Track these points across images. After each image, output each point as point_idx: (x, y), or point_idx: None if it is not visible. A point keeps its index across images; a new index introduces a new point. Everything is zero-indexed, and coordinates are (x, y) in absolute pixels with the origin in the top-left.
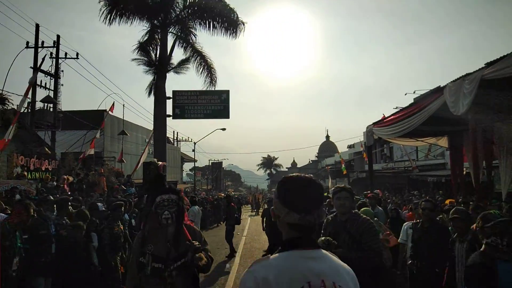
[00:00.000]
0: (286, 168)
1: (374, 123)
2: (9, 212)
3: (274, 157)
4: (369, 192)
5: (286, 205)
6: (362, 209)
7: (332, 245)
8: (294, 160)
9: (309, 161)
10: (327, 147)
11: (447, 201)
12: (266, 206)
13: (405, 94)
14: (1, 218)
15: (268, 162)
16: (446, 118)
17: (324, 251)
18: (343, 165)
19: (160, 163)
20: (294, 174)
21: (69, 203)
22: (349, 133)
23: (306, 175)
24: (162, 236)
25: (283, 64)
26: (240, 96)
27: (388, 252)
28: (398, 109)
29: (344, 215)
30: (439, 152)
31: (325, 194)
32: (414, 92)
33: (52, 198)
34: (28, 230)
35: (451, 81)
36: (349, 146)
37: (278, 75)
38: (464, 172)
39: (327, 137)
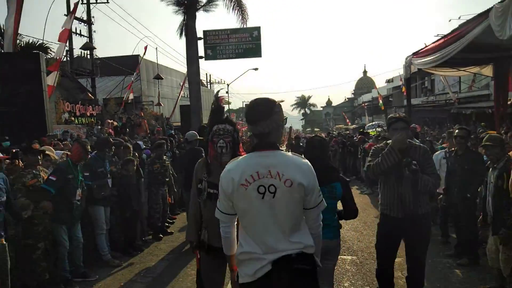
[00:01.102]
0: (321, 107)
1: (414, 53)
2: (67, 152)
3: (309, 96)
4: None
5: (246, 121)
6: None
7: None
8: (329, 98)
9: (345, 99)
10: (364, 83)
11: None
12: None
13: (449, 21)
14: (58, 155)
15: (303, 102)
16: (491, 44)
17: (279, 151)
18: (380, 101)
19: (221, 96)
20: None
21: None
22: (388, 67)
23: (262, 97)
24: (217, 164)
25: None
26: (272, 32)
27: None
28: (440, 37)
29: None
30: (484, 83)
31: (361, 130)
32: (459, 18)
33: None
34: (88, 168)
35: (499, 2)
36: (388, 81)
37: (311, 10)
38: (509, 102)
39: (364, 72)
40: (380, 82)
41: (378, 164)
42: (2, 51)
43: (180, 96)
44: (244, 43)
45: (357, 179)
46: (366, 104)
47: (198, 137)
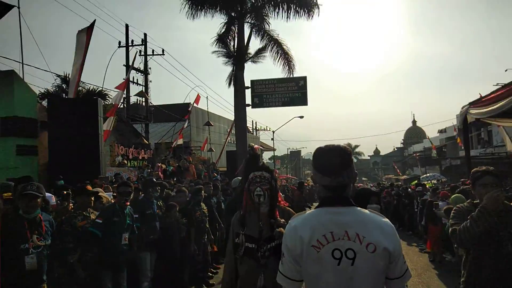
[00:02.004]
0: (368, 156)
1: (471, 103)
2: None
3: (355, 144)
4: (467, 180)
5: (318, 170)
6: (454, 195)
7: None
8: (376, 147)
9: (394, 148)
10: (414, 133)
11: None
12: None
13: (506, 71)
14: (109, 196)
15: None
16: None
17: (357, 208)
18: (434, 150)
19: (256, 146)
20: (325, 145)
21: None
22: (438, 117)
23: (334, 144)
24: (255, 215)
25: (360, 45)
26: (316, 82)
27: None
28: (499, 86)
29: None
30: None
31: (415, 182)
32: None
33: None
34: (137, 210)
35: None
36: (440, 131)
37: (355, 58)
38: None
39: (414, 122)
40: (430, 132)
41: (467, 228)
42: (65, 96)
43: (226, 142)
44: (290, 92)
45: (413, 235)
46: (418, 154)
47: None
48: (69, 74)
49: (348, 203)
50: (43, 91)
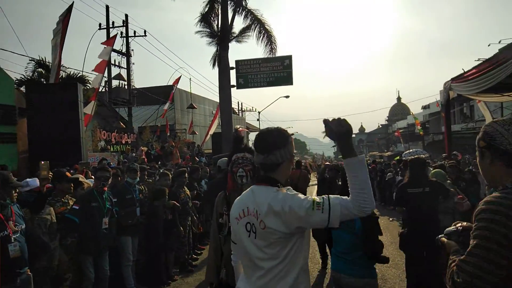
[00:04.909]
0: (354, 133)
1: (453, 79)
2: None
3: None
4: (446, 154)
5: (255, 149)
6: (434, 170)
7: None
8: (361, 125)
9: (378, 125)
10: (399, 110)
11: None
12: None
13: (489, 45)
14: (91, 182)
15: None
16: None
17: (272, 188)
18: (418, 127)
19: (241, 128)
20: (266, 127)
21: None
22: (423, 93)
23: (273, 127)
24: (238, 195)
25: (345, 23)
26: (302, 61)
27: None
28: (481, 62)
29: None
30: None
31: (397, 158)
32: (499, 42)
33: (135, 166)
34: (116, 195)
35: None
36: (424, 107)
37: (340, 35)
38: None
39: (399, 98)
40: (415, 109)
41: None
42: (45, 82)
43: (215, 125)
44: (275, 72)
45: (394, 210)
46: (401, 130)
47: None
48: (45, 58)
49: (272, 183)
50: (19, 78)
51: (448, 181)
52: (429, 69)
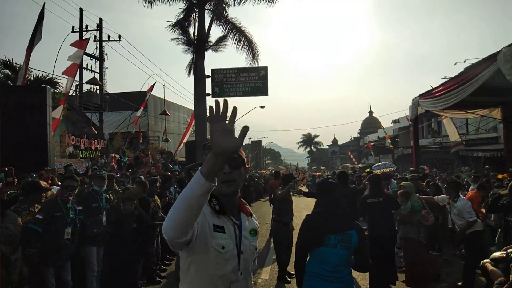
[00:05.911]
0: (327, 145)
1: (421, 95)
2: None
3: (315, 134)
4: (414, 168)
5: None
6: (403, 182)
7: None
8: (335, 137)
9: (351, 138)
10: (370, 123)
11: (499, 176)
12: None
13: (455, 64)
14: (56, 190)
15: (309, 140)
16: (500, 87)
17: None
18: (388, 140)
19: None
20: None
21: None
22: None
23: None
24: None
25: (322, 37)
26: (278, 72)
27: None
28: (447, 79)
29: None
30: (492, 125)
31: (367, 170)
32: (464, 61)
33: (102, 173)
34: (81, 203)
35: (506, 46)
36: (394, 121)
37: (317, 49)
38: None
39: (370, 112)
40: (386, 123)
41: None
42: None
43: (189, 132)
44: (251, 82)
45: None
46: (372, 143)
47: None
48: (12, 59)
49: None
50: None
51: (417, 195)
52: (401, 84)
